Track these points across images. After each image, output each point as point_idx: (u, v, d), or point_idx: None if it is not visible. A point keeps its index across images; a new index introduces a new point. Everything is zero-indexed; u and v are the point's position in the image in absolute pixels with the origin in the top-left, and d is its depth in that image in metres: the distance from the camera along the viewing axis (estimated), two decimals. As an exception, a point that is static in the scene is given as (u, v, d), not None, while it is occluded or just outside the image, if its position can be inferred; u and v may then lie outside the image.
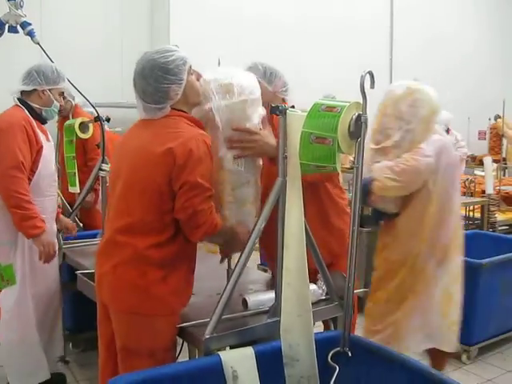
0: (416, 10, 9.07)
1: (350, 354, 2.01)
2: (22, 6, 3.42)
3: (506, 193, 6.03)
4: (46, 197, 3.08)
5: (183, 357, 2.50)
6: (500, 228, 5.64)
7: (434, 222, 2.90)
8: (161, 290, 2.03)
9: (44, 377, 3.15)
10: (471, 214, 5.44)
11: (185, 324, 2.06)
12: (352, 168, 1.96)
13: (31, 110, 3.06)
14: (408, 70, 8.46)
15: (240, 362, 1.89)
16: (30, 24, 3.44)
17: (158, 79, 2.05)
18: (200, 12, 6.73)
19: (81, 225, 3.90)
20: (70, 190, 4.04)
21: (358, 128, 1.92)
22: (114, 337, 2.16)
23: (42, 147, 3.02)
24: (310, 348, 1.98)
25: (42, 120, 3.14)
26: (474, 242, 4.35)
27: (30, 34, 3.44)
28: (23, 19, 3.42)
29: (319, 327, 2.41)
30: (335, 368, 1.98)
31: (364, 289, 2.45)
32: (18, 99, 3.07)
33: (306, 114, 1.99)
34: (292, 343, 1.98)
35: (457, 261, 3.08)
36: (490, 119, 9.33)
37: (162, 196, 2.02)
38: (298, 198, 2.01)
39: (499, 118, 8.77)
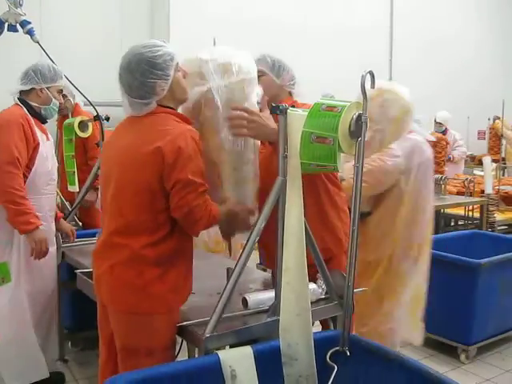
0: (416, 12, 9.06)
1: (348, 354, 2.01)
2: (21, 5, 3.42)
3: (505, 193, 6.03)
4: (43, 195, 3.09)
5: (182, 356, 2.50)
6: (499, 228, 5.65)
7: (406, 222, 2.93)
8: (158, 289, 2.03)
9: (42, 375, 3.15)
10: (470, 213, 5.45)
11: (185, 323, 2.06)
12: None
13: (30, 108, 3.07)
14: (408, 72, 8.50)
15: (238, 361, 1.89)
16: (29, 23, 3.45)
17: (144, 73, 2.02)
18: (200, 12, 6.72)
19: (80, 224, 3.90)
20: (69, 189, 4.04)
21: (358, 128, 1.92)
22: (114, 337, 2.16)
23: (38, 144, 3.02)
24: (309, 347, 1.98)
25: (41, 119, 3.15)
26: (473, 242, 4.36)
27: (30, 32, 3.45)
28: (23, 18, 3.43)
29: (317, 327, 2.41)
30: (333, 367, 1.98)
31: (363, 288, 2.45)
32: (18, 99, 3.08)
33: (306, 113, 1.99)
34: (291, 342, 1.98)
35: (428, 259, 3.12)
36: (489, 119, 9.35)
37: (155, 195, 2.01)
38: (298, 197, 2.01)
39: (498, 119, 8.78)
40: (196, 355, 2.31)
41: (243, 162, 2.24)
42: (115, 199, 2.10)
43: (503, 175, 7.83)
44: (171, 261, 2.06)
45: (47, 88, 3.09)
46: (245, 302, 2.16)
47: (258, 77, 2.66)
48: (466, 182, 5.63)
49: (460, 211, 5.53)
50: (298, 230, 2.01)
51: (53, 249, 3.19)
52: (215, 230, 3.90)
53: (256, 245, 2.13)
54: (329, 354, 2.01)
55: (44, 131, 3.16)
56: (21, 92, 3.10)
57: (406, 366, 1.90)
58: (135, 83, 2.04)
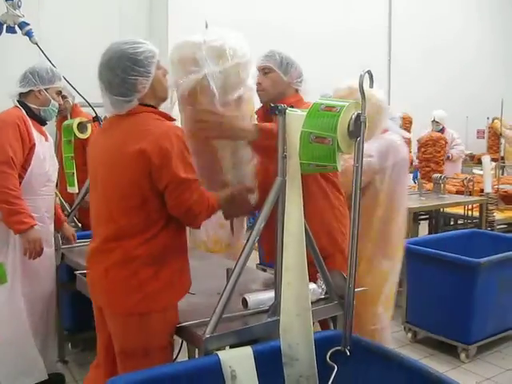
0: (416, 16, 9.07)
1: (348, 354, 2.01)
2: (19, 6, 3.42)
3: (505, 191, 6.03)
4: (39, 196, 3.08)
5: (182, 356, 2.50)
6: (498, 227, 5.64)
7: (382, 221, 2.94)
8: (153, 287, 2.02)
9: (40, 377, 3.15)
10: (470, 212, 5.45)
11: (184, 323, 2.06)
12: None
13: (29, 110, 3.08)
14: (407, 74, 8.52)
15: (239, 361, 1.89)
16: (28, 24, 3.45)
17: (125, 70, 2.00)
18: (198, 13, 6.72)
19: (79, 225, 3.90)
20: (68, 190, 4.04)
21: (357, 127, 1.92)
22: (112, 339, 2.15)
23: (34, 145, 3.02)
24: (310, 347, 1.99)
25: (40, 120, 3.15)
26: (473, 241, 4.36)
27: (28, 34, 3.45)
28: (21, 19, 3.43)
29: (315, 327, 2.41)
30: (334, 367, 1.98)
31: (364, 288, 2.45)
32: (18, 101, 3.09)
33: (305, 113, 1.99)
34: (291, 342, 1.98)
35: (402, 258, 3.18)
36: (488, 118, 9.36)
37: (146, 197, 2.00)
38: (298, 197, 2.02)
39: (496, 119, 8.80)
40: (196, 356, 2.31)
41: (241, 143, 2.25)
42: (105, 204, 2.08)
43: (502, 174, 7.83)
44: (164, 257, 2.04)
45: (45, 89, 3.10)
46: (245, 302, 2.16)
47: (266, 73, 2.66)
48: (465, 181, 5.63)
49: (459, 210, 5.53)
50: (297, 230, 2.01)
51: (50, 250, 3.19)
52: (214, 230, 3.93)
53: (256, 245, 2.13)
54: (329, 353, 2.01)
55: (42, 132, 3.16)
56: (20, 94, 3.11)
57: (405, 365, 1.90)
58: (116, 80, 2.01)
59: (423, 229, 6.00)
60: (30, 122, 3.05)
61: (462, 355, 3.74)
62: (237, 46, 2.15)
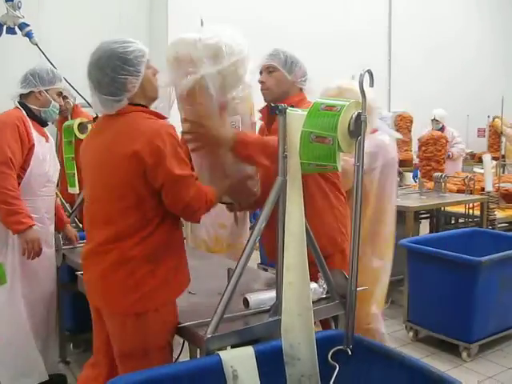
0: (416, 16, 9.05)
1: (349, 353, 2.01)
2: (19, 7, 3.43)
3: (506, 190, 6.02)
4: (39, 197, 3.09)
5: (184, 356, 2.50)
6: (499, 225, 5.64)
7: (371, 221, 2.95)
8: (149, 285, 2.02)
9: (40, 378, 3.15)
10: (471, 211, 5.44)
11: (186, 324, 2.06)
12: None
13: (30, 111, 3.09)
14: (407, 74, 8.51)
15: (240, 361, 1.89)
16: (28, 25, 3.45)
17: (115, 69, 1.99)
18: (199, 12, 6.72)
19: (80, 225, 3.90)
20: (69, 191, 4.04)
21: (357, 127, 1.92)
22: (111, 342, 2.15)
23: (33, 145, 3.03)
24: (311, 347, 1.99)
25: (41, 121, 3.15)
26: (474, 240, 4.36)
27: (28, 35, 3.46)
28: (21, 20, 3.44)
29: (316, 327, 2.41)
30: (335, 367, 1.98)
31: (365, 287, 2.45)
32: (18, 102, 3.10)
33: (305, 113, 1.99)
34: (293, 342, 1.98)
35: (392, 258, 3.20)
36: (489, 116, 9.35)
37: (142, 197, 1.99)
38: (299, 197, 2.02)
39: (497, 118, 8.79)
40: (197, 356, 2.31)
41: None
42: (100, 206, 2.08)
43: (503, 173, 7.83)
44: (160, 255, 2.04)
45: (46, 90, 3.10)
46: (246, 302, 2.16)
47: (270, 72, 2.66)
48: (466, 180, 5.62)
49: (460, 209, 5.52)
50: (298, 230, 2.01)
51: (50, 251, 3.19)
52: (215, 230, 3.93)
53: (257, 245, 2.13)
54: (330, 353, 2.01)
55: (43, 133, 3.16)
56: (21, 95, 3.12)
57: (407, 364, 1.90)
58: (105, 79, 2.00)
59: (424, 228, 6.00)
60: (29, 122, 3.05)
61: (464, 354, 3.74)
62: (233, 42, 2.13)
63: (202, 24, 2.23)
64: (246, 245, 2.05)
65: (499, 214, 5.55)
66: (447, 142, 6.91)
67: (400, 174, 5.71)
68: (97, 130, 2.21)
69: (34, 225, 2.94)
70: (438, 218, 5.85)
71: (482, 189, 5.69)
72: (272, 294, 2.15)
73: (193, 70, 2.10)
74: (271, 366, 1.95)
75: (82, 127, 4.00)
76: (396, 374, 1.92)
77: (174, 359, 2.49)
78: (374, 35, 8.71)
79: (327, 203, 2.65)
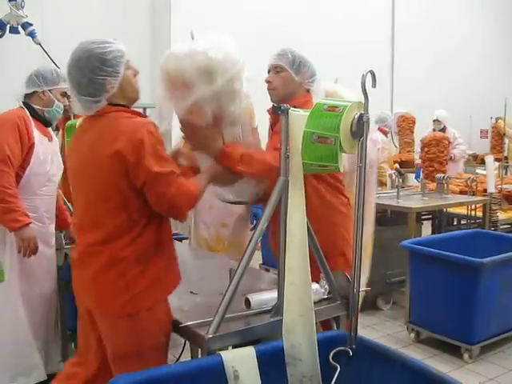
0: (421, 22, 9.03)
1: (351, 354, 2.01)
2: (23, 7, 3.44)
3: (508, 191, 6.02)
4: (38, 196, 3.10)
5: (185, 356, 2.50)
6: (502, 227, 5.63)
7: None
8: (140, 286, 2.02)
9: (39, 378, 3.15)
10: (473, 212, 5.44)
11: (187, 323, 2.06)
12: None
13: (33, 111, 3.10)
14: (410, 79, 8.49)
15: (241, 361, 1.89)
16: (31, 25, 3.46)
17: (94, 70, 1.99)
18: (202, 12, 6.72)
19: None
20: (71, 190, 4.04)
21: (360, 127, 1.92)
22: (100, 342, 2.16)
23: (33, 144, 3.04)
24: (313, 347, 1.98)
25: (45, 122, 3.17)
26: (476, 241, 4.35)
27: (31, 34, 3.46)
28: (24, 20, 3.44)
29: (317, 327, 2.41)
30: (336, 367, 1.98)
31: (366, 288, 2.45)
32: (23, 102, 3.12)
33: (308, 113, 1.99)
34: (294, 343, 1.98)
35: (370, 259, 3.23)
36: (491, 118, 9.34)
37: (128, 197, 1.99)
38: (301, 197, 2.02)
39: (500, 119, 8.78)
40: (199, 356, 2.31)
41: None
42: (88, 209, 2.09)
43: (506, 174, 7.82)
44: (150, 255, 2.04)
45: (49, 90, 3.12)
46: (247, 302, 2.16)
47: (277, 72, 2.65)
48: (468, 181, 5.61)
49: (462, 210, 5.52)
50: (300, 231, 2.01)
51: (50, 250, 3.20)
52: (216, 229, 3.93)
53: (259, 245, 2.13)
54: (332, 353, 2.01)
55: (46, 133, 3.18)
56: (25, 96, 3.13)
57: (408, 365, 1.90)
58: (84, 80, 2.00)
59: (426, 229, 6.00)
60: (32, 122, 3.07)
61: (465, 355, 3.73)
62: (226, 57, 2.09)
63: (192, 37, 2.16)
64: (248, 245, 2.05)
65: (501, 216, 5.55)
66: (450, 143, 6.91)
67: (402, 174, 5.71)
68: (80, 130, 2.21)
69: (30, 223, 2.95)
70: (440, 219, 5.85)
71: (485, 190, 5.69)
72: (274, 294, 2.15)
73: (187, 94, 2.09)
74: (272, 366, 1.95)
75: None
76: (397, 375, 1.91)
77: (175, 359, 2.50)
78: (378, 35, 8.70)
79: (324, 204, 2.65)
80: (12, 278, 3.05)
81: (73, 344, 3.80)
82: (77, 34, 6.08)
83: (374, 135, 6.89)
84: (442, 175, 5.62)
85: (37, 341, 3.15)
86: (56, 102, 3.15)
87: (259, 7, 7.25)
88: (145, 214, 2.03)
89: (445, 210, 5.65)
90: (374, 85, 1.92)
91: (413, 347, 3.99)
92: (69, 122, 4.14)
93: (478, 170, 7.63)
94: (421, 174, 6.89)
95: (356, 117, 1.93)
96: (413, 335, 4.10)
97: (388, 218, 5.36)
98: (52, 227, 3.22)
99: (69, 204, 3.95)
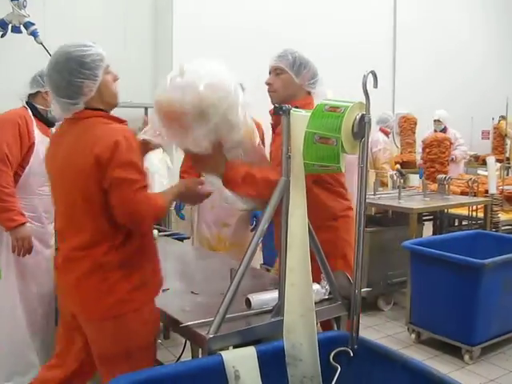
0: (422, 23, 9.01)
1: (351, 354, 2.01)
2: (25, 6, 3.44)
3: (510, 192, 6.00)
4: (37, 195, 3.11)
5: (186, 356, 2.50)
6: (503, 228, 5.62)
7: None
8: (124, 289, 2.02)
9: (35, 377, 3.15)
10: (474, 213, 5.43)
11: (188, 323, 2.06)
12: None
13: (36, 111, 3.11)
14: (412, 79, 8.47)
15: (242, 361, 1.89)
16: (33, 24, 3.46)
17: (72, 72, 1.99)
18: (204, 12, 6.72)
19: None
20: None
21: (361, 128, 1.92)
22: (85, 345, 2.16)
23: (33, 144, 3.06)
24: (313, 348, 1.99)
25: (48, 122, 3.17)
26: (477, 242, 4.35)
27: (34, 34, 3.47)
28: (26, 19, 3.44)
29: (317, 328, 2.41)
30: (337, 368, 1.98)
31: (367, 288, 2.45)
32: (26, 102, 3.13)
33: (309, 114, 1.99)
34: (295, 343, 1.98)
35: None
36: (493, 119, 9.32)
37: (106, 202, 1.99)
38: (302, 197, 2.02)
39: (503, 119, 8.76)
40: (199, 356, 2.31)
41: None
42: (68, 215, 2.09)
43: (507, 175, 7.80)
44: (134, 262, 2.05)
45: None
46: (248, 302, 2.16)
47: (278, 74, 2.64)
48: (469, 182, 5.61)
49: (464, 211, 5.51)
50: (301, 231, 2.01)
51: (48, 251, 3.19)
52: (218, 228, 3.94)
53: (260, 245, 2.13)
54: (332, 354, 2.01)
55: (48, 133, 3.17)
56: (29, 96, 3.15)
57: (409, 366, 1.90)
58: (63, 83, 2.01)
59: (427, 230, 5.99)
60: (33, 121, 3.08)
61: (466, 356, 3.73)
62: (218, 89, 2.03)
63: (182, 74, 2.07)
64: (249, 245, 2.05)
65: (503, 217, 5.54)
66: (451, 143, 6.90)
67: (403, 175, 5.70)
68: (59, 134, 2.21)
69: (25, 222, 2.96)
70: (442, 220, 5.84)
71: (486, 191, 5.68)
72: (274, 294, 2.15)
73: (183, 133, 2.07)
74: (273, 366, 1.95)
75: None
76: (398, 376, 1.92)
77: (176, 359, 2.50)
78: (379, 36, 8.68)
79: (324, 211, 2.64)
80: (10, 277, 3.06)
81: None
82: (78, 33, 6.10)
83: (375, 136, 6.89)
84: (444, 176, 5.61)
85: (34, 340, 3.15)
86: None
87: (261, 7, 7.24)
88: None
89: (446, 210, 5.64)
90: (375, 85, 1.92)
91: (413, 348, 3.99)
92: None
93: (479, 171, 7.61)
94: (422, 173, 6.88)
95: (357, 117, 1.93)
96: (413, 336, 4.10)
97: (389, 218, 5.36)
98: (50, 227, 3.22)
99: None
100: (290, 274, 2.01)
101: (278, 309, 2.08)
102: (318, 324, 2.40)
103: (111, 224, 2.00)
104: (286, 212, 2.04)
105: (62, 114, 2.10)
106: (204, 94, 2.00)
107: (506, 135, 8.41)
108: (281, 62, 2.62)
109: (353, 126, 1.93)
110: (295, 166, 2.02)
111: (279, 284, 2.09)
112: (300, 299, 2.00)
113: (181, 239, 3.77)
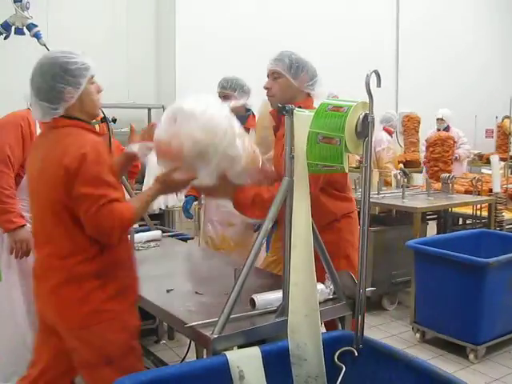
0: (425, 25, 9.00)
1: (356, 354, 2.01)
2: (28, 8, 3.44)
3: (514, 191, 6.00)
4: None
5: (190, 356, 2.50)
6: (507, 227, 5.61)
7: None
8: (100, 298, 2.03)
9: None
10: (478, 212, 5.42)
11: (192, 324, 2.06)
12: (359, 167, 1.96)
13: None
14: (416, 76, 8.46)
15: (246, 361, 1.89)
16: (36, 26, 3.46)
17: (55, 77, 2.00)
18: (207, 11, 6.73)
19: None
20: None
21: (364, 128, 1.92)
22: (61, 354, 2.15)
23: None
24: (318, 347, 1.98)
25: None
26: (481, 241, 4.35)
27: (37, 35, 3.46)
28: (29, 21, 3.44)
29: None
30: (342, 367, 1.98)
31: (372, 288, 2.45)
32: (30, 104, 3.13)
33: (312, 113, 1.99)
34: (300, 343, 1.98)
35: None
36: (497, 117, 9.30)
37: (77, 214, 1.98)
38: (305, 197, 2.02)
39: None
40: (204, 356, 2.32)
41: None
42: (42, 224, 2.09)
43: (511, 174, 7.79)
44: (109, 272, 2.05)
45: None
46: (253, 302, 2.16)
47: (275, 78, 2.63)
48: (473, 181, 5.60)
49: (468, 210, 5.50)
50: (305, 231, 2.01)
51: None
52: (222, 228, 3.93)
53: (264, 245, 2.13)
54: (337, 354, 2.01)
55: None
56: None
57: (413, 365, 1.90)
58: (44, 86, 2.01)
59: (431, 229, 5.99)
60: (36, 123, 3.09)
61: (471, 356, 3.73)
62: (216, 131, 2.06)
63: (175, 121, 2.07)
64: (253, 245, 2.05)
65: (507, 216, 5.53)
66: (455, 142, 6.89)
67: (406, 174, 5.69)
68: (40, 140, 2.23)
69: (25, 224, 2.96)
70: (446, 219, 5.83)
71: (490, 190, 5.67)
72: (279, 294, 2.15)
73: (185, 174, 2.11)
74: (278, 366, 1.95)
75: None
76: (402, 376, 1.91)
77: (180, 359, 2.50)
78: (383, 35, 8.68)
79: (327, 214, 2.64)
80: (10, 278, 3.07)
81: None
82: (81, 35, 6.13)
83: (378, 135, 6.88)
84: (447, 175, 5.60)
85: (34, 341, 3.16)
86: None
87: (264, 9, 7.25)
88: None
89: (450, 209, 5.64)
90: (378, 84, 1.92)
91: (418, 347, 3.98)
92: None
93: (483, 170, 7.60)
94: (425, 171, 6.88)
95: (361, 117, 1.93)
96: (418, 335, 4.09)
97: (393, 217, 5.36)
98: None
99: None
100: (294, 274, 2.01)
101: (283, 309, 2.08)
102: (322, 324, 2.40)
103: (84, 236, 2.00)
104: (289, 212, 2.04)
105: (41, 118, 2.11)
106: (202, 140, 2.03)
107: (509, 134, 8.39)
108: (277, 66, 2.60)
109: (356, 125, 1.93)
110: (298, 166, 2.02)
111: (283, 284, 2.09)
112: (304, 299, 2.00)
113: (184, 240, 3.77)
